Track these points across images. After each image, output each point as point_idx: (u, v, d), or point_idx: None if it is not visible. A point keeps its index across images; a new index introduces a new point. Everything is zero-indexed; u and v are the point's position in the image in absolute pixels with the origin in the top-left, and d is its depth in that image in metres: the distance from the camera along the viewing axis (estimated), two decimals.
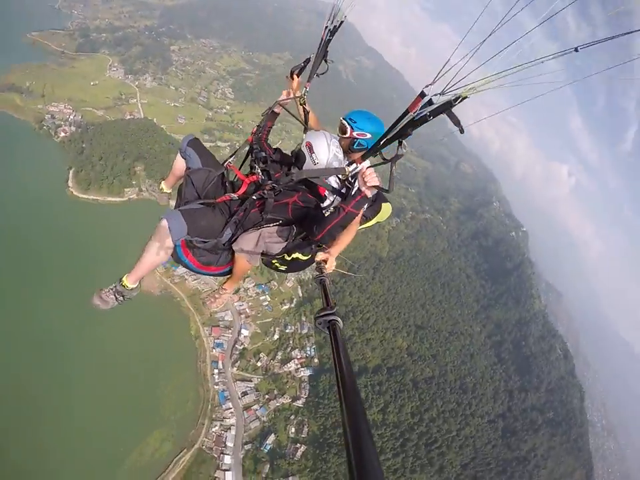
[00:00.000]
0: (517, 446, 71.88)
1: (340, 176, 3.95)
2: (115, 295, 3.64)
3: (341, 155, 3.99)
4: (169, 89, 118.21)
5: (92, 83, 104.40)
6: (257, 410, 59.62)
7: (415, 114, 2.78)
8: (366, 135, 4.06)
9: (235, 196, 3.89)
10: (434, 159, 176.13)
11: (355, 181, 3.88)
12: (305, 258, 4.27)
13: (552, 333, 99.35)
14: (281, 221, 3.96)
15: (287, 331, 69.62)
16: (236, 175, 4.32)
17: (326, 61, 4.54)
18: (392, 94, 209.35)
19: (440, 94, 2.53)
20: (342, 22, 4.31)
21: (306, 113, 4.71)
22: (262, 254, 4.02)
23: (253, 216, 3.88)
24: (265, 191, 3.83)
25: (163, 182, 5.11)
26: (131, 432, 51.84)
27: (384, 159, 3.39)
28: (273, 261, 4.24)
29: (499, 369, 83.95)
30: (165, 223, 3.37)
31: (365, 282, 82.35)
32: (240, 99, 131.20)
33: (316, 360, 68.38)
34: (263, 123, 4.56)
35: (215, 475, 52.36)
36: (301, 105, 4.69)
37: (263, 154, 4.23)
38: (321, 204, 4.10)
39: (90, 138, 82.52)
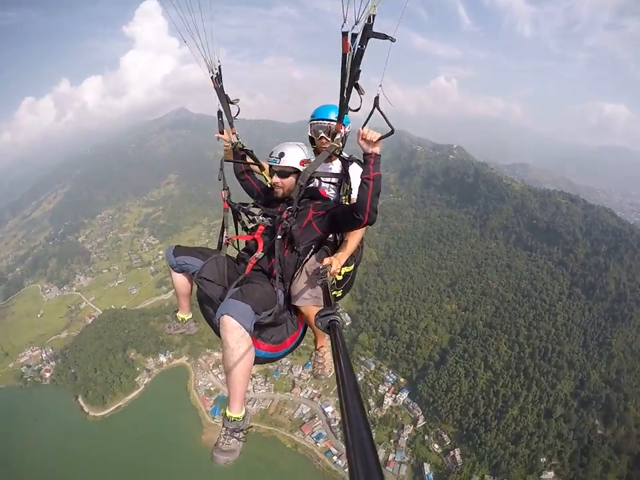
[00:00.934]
0: (605, 292, 72.63)
1: (335, 152, 3.86)
2: (234, 437, 3.06)
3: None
4: (103, 275, 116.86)
5: (38, 315, 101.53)
6: (394, 458, 57.08)
7: (352, 52, 2.94)
8: (349, 126, 4.04)
9: (259, 254, 3.59)
10: None
11: (350, 156, 3.99)
12: (351, 268, 4.16)
13: (546, 194, 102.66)
14: (313, 246, 3.75)
15: (359, 378, 67.75)
16: (238, 242, 4.10)
17: (232, 103, 4.41)
18: (274, 138, 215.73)
19: (356, 24, 2.75)
20: (220, 66, 4.26)
21: (250, 153, 4.54)
22: None
23: (289, 259, 3.61)
24: (285, 221, 3.53)
25: (177, 313, 4.46)
26: None
27: (354, 110, 3.41)
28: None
29: (536, 255, 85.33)
30: (227, 318, 2.85)
31: (381, 290, 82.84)
32: (164, 238, 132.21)
33: (401, 379, 67.81)
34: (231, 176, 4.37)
35: None
36: (241, 150, 4.52)
37: (250, 206, 4.04)
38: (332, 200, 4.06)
39: (74, 360, 79.49)
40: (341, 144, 3.84)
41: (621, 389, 58.76)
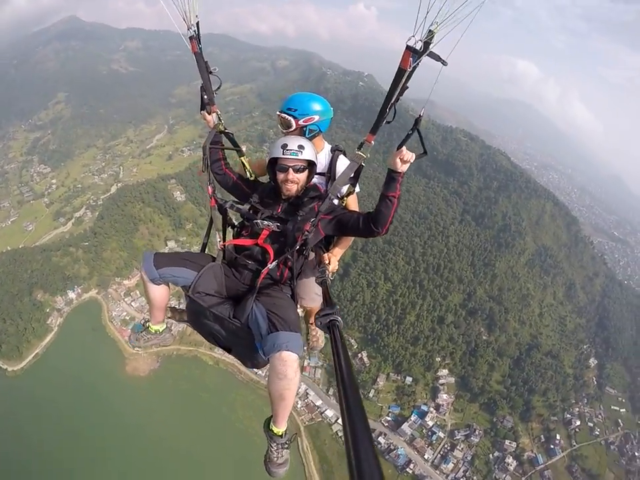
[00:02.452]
0: (492, 221, 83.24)
1: (362, 163, 3.54)
2: (284, 448, 3.12)
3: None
4: None
5: None
6: (309, 363, 63.59)
7: (410, 68, 2.85)
8: (314, 118, 3.74)
9: (272, 265, 3.29)
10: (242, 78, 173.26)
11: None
12: None
13: (448, 130, 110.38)
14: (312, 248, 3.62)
15: None
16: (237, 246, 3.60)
17: (211, 72, 3.82)
18: (175, 52, 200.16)
19: (420, 40, 2.69)
20: (198, 22, 3.67)
21: (231, 137, 4.07)
22: None
23: (297, 264, 3.48)
24: (306, 231, 3.32)
25: (149, 324, 3.90)
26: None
27: (388, 122, 3.25)
28: None
29: (434, 183, 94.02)
30: (288, 353, 2.71)
31: None
32: (56, 165, 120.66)
33: None
34: (209, 171, 3.82)
35: (335, 430, 56.77)
36: (221, 132, 3.97)
37: (244, 207, 3.60)
38: (334, 201, 3.72)
39: None
40: (368, 155, 3.52)
41: (502, 303, 70.66)
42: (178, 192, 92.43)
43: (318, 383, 62.32)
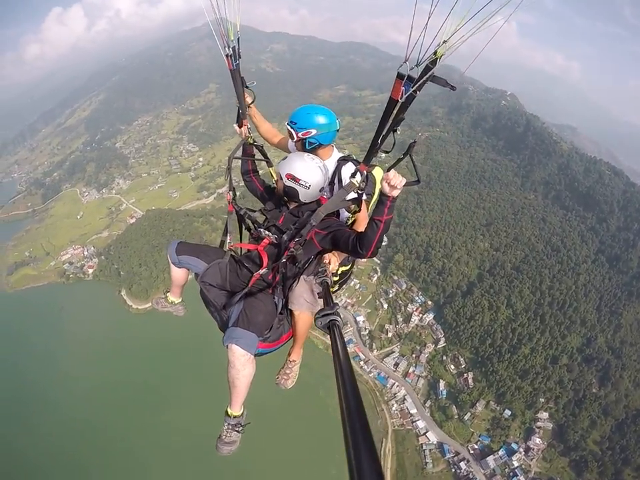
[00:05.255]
0: (627, 266, 74.62)
1: (358, 191, 3.58)
2: (235, 431, 3.46)
3: (320, 162, 3.77)
4: (142, 178, 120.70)
5: (78, 217, 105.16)
6: (414, 371, 63.49)
7: (402, 99, 2.67)
8: (310, 132, 3.83)
9: (264, 271, 3.56)
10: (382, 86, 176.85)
11: (365, 185, 3.61)
12: (348, 267, 4.30)
13: (592, 161, 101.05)
14: (311, 257, 3.78)
15: (390, 295, 73.40)
16: (241, 250, 4.10)
17: (247, 87, 4.25)
18: (319, 57, 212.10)
19: (416, 66, 2.43)
20: (239, 38, 4.04)
21: (260, 148, 4.49)
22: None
23: (290, 272, 3.63)
24: (292, 249, 3.46)
25: (168, 294, 4.72)
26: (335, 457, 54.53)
27: (385, 152, 3.22)
28: None
29: (571, 215, 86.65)
30: (235, 347, 3.03)
31: (419, 217, 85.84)
32: (204, 146, 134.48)
33: (429, 302, 72.65)
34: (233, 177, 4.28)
35: (420, 442, 56.39)
36: (251, 145, 4.41)
37: (257, 214, 3.97)
38: (338, 219, 3.92)
39: (117, 257, 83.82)
40: (364, 184, 3.53)
41: (621, 358, 63.57)
42: None
43: (418, 392, 62.42)
